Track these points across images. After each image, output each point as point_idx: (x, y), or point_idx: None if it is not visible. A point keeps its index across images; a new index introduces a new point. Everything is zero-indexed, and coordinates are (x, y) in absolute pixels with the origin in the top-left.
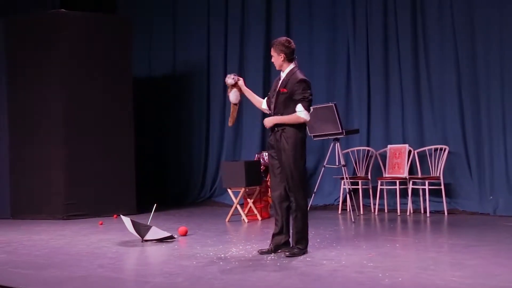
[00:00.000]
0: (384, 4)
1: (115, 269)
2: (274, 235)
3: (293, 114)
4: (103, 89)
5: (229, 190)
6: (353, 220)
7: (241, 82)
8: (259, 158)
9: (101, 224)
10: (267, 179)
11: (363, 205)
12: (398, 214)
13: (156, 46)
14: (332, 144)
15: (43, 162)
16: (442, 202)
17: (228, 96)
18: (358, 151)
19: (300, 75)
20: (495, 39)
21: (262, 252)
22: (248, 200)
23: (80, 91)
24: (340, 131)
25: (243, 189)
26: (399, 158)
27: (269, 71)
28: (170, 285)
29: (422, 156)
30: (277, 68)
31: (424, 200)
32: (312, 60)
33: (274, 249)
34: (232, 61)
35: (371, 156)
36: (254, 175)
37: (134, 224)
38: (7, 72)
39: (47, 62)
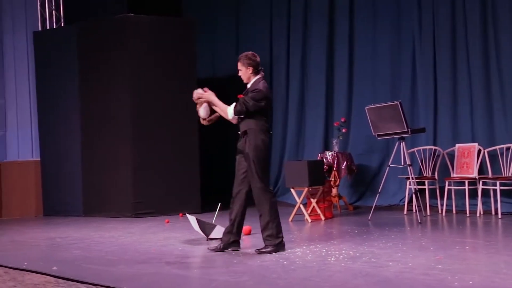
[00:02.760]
0: (452, 2)
1: (181, 267)
2: (224, 233)
3: (225, 105)
4: (169, 89)
5: (292, 189)
6: (419, 221)
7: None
8: (322, 158)
9: (168, 222)
10: (331, 179)
11: (429, 205)
12: (467, 215)
13: (220, 46)
14: (397, 143)
15: (112, 161)
16: None
17: (198, 112)
18: (424, 150)
19: (259, 85)
20: None
21: (211, 250)
22: (311, 199)
23: (147, 92)
24: (406, 130)
25: (306, 188)
26: (468, 157)
27: (332, 70)
28: (235, 283)
29: (492, 155)
30: (245, 81)
31: (495, 201)
32: (376, 59)
33: (223, 247)
34: (294, 60)
35: (438, 156)
36: (317, 175)
37: (199, 222)
38: (79, 74)
39: (116, 64)
